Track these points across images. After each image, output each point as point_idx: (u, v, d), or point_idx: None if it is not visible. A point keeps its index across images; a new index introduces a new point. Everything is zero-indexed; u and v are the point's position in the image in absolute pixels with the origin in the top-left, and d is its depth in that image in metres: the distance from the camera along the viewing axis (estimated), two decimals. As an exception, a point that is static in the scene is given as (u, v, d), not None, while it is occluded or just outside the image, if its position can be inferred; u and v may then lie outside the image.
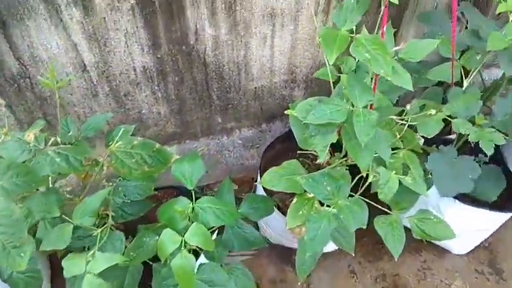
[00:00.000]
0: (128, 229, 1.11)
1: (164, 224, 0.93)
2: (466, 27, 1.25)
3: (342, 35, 0.86)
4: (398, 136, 1.02)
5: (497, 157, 1.34)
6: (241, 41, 1.39)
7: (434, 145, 1.36)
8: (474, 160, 1.15)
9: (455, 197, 1.23)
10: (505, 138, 1.07)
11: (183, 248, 0.84)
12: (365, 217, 0.96)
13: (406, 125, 1.00)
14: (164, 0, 1.18)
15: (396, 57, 0.90)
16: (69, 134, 1.06)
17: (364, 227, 0.96)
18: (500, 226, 1.43)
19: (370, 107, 0.93)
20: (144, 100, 1.46)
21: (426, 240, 1.19)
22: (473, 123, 1.10)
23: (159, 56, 1.33)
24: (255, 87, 1.58)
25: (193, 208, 0.92)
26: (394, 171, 1.02)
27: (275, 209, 1.23)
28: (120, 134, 1.04)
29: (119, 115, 1.47)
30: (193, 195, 0.93)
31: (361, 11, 0.87)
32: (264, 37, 1.40)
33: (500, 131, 1.05)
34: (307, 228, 0.94)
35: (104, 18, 1.17)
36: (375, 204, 1.10)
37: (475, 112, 1.08)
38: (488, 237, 1.49)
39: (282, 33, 1.41)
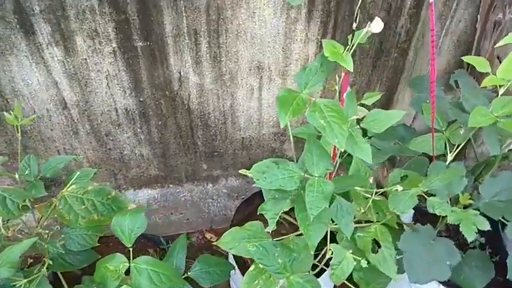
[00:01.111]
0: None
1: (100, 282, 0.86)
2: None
3: (301, 98, 0.80)
4: (362, 209, 0.92)
5: (495, 239, 1.21)
6: (227, 91, 1.36)
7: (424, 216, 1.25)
8: (459, 242, 1.04)
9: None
10: (501, 223, 0.96)
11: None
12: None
13: (373, 197, 0.90)
14: (146, 46, 1.18)
15: (359, 126, 0.84)
16: (27, 172, 1.03)
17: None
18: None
19: (329, 177, 0.85)
20: (126, 141, 1.43)
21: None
22: (457, 203, 1.00)
23: (141, 99, 1.32)
24: (243, 137, 1.53)
25: (129, 268, 0.86)
26: (352, 251, 0.92)
27: (237, 271, 1.14)
28: (75, 178, 1.01)
29: (100, 154, 1.46)
30: (131, 254, 0.87)
31: (324, 74, 0.82)
32: (251, 89, 1.37)
33: (485, 215, 0.94)
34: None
35: (85, 59, 1.18)
36: (346, 282, 1.00)
37: (458, 190, 0.98)
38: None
39: (269, 86, 1.37)
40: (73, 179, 1.01)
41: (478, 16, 1.11)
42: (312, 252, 0.82)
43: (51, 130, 1.34)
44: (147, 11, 1.11)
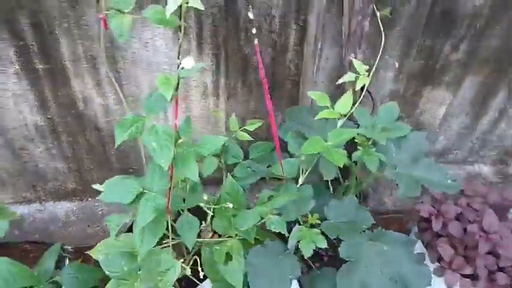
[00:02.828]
0: None
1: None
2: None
3: (142, 123, 0.91)
4: (205, 223, 1.02)
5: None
6: (132, 113, 1.47)
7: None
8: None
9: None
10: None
11: None
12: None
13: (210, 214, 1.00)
14: (47, 69, 1.29)
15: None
16: None
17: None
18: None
19: (169, 192, 0.95)
20: (40, 155, 1.53)
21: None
22: (305, 222, 1.10)
23: (49, 116, 1.42)
24: (155, 156, 1.63)
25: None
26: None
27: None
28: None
29: (17, 166, 1.55)
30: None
31: (165, 101, 0.93)
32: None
33: (325, 235, 1.04)
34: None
35: (-9, 78, 1.29)
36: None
37: (306, 210, 1.08)
38: None
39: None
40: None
41: (343, 54, 1.24)
42: (139, 260, 0.91)
43: (-33, 142, 1.44)
44: (44, 38, 1.22)
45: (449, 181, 1.11)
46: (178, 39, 0.87)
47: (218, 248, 1.09)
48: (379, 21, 1.11)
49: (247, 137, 1.31)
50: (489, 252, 1.24)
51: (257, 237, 1.14)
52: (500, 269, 1.22)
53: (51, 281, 1.08)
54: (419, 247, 1.38)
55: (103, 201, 1.72)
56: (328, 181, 1.44)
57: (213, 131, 1.58)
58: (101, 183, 1.67)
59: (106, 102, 1.42)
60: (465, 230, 1.28)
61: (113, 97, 1.41)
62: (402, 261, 1.04)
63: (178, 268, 0.93)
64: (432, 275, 1.27)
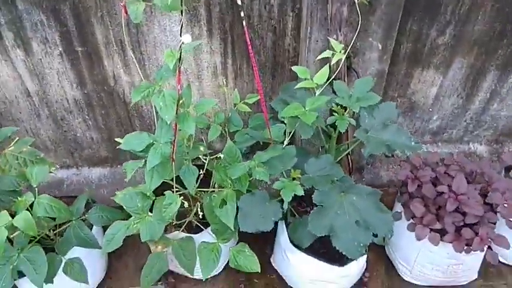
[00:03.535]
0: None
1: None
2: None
3: (153, 88, 1.15)
4: (202, 171, 1.24)
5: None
6: (154, 89, 1.72)
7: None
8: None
9: (297, 246, 1.40)
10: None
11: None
12: (159, 231, 1.18)
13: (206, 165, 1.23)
14: (84, 50, 1.57)
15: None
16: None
17: (156, 239, 1.18)
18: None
19: (173, 144, 1.18)
20: (78, 125, 1.82)
21: None
22: (288, 176, 1.30)
23: (86, 91, 1.70)
24: (174, 129, 1.88)
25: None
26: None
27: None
28: (15, 142, 1.40)
29: (58, 135, 1.85)
30: (37, 192, 1.23)
31: (172, 72, 1.16)
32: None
33: (303, 186, 1.24)
34: (107, 232, 1.19)
35: (40, 59, 1.58)
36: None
37: (289, 166, 1.29)
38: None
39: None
40: (13, 142, 1.39)
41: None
42: (149, 194, 1.16)
43: (20, 113, 1.75)
44: (82, 25, 1.49)
45: (412, 143, 1.27)
46: (181, 20, 1.09)
47: (216, 195, 1.32)
48: (357, 7, 1.29)
49: (246, 108, 1.52)
50: (458, 211, 1.39)
51: (249, 188, 1.36)
52: (467, 225, 1.38)
53: (81, 218, 1.36)
54: (400, 208, 1.55)
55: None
56: (319, 147, 1.63)
57: (222, 105, 1.81)
58: (129, 152, 1.96)
59: (132, 80, 1.68)
60: (440, 193, 1.44)
61: (137, 76, 1.67)
62: (368, 209, 1.23)
63: (178, 202, 1.17)
64: (407, 230, 1.45)
